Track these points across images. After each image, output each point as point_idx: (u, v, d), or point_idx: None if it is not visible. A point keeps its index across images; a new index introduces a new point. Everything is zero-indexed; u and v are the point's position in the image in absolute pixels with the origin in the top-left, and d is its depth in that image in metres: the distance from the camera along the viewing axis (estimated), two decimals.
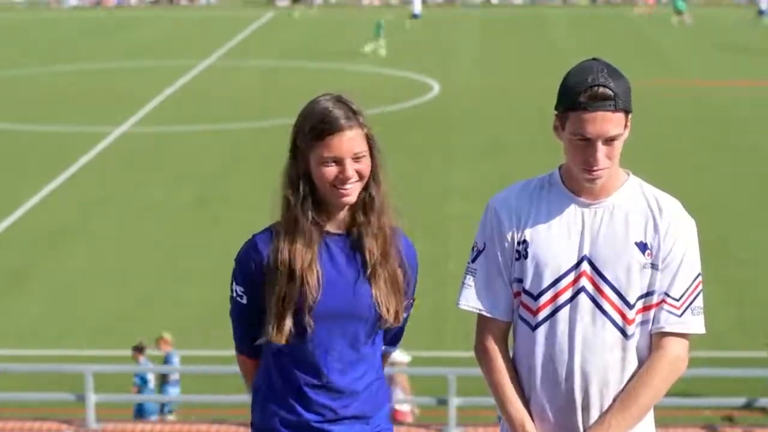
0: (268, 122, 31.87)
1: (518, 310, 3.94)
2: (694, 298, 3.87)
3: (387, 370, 13.80)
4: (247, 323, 4.02)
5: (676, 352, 3.86)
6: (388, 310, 3.93)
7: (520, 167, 25.15)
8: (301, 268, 3.85)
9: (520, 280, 3.91)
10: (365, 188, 3.91)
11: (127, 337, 17.49)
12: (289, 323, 3.87)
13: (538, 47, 46.32)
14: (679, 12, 54.15)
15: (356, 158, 3.85)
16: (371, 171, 3.91)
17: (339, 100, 3.89)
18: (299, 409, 3.96)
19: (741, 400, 13.78)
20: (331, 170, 3.83)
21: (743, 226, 22.32)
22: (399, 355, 13.98)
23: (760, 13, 56.16)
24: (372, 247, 3.92)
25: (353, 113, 3.87)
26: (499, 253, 3.94)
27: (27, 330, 17.52)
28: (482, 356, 3.99)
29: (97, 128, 31.76)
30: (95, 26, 57.57)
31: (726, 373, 14.42)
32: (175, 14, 64.01)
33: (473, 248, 4.02)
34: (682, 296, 3.85)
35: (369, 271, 3.91)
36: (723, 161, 27.41)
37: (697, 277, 3.89)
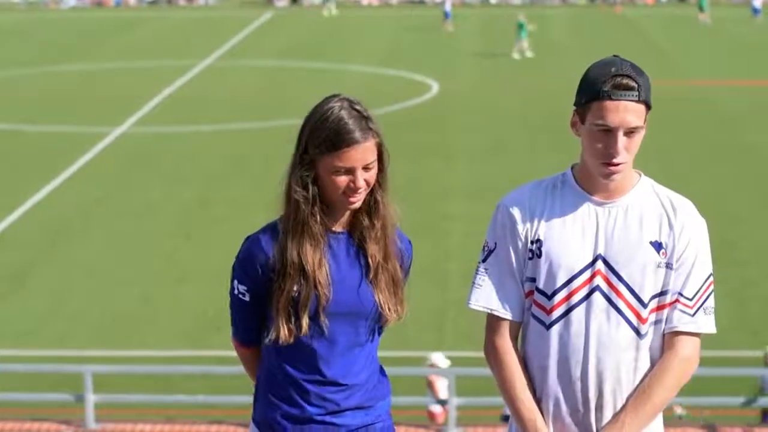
0: (268, 122, 31.88)
1: (531, 308, 3.93)
2: (707, 298, 3.89)
3: (428, 371, 13.59)
4: (250, 318, 4.06)
5: (688, 352, 3.87)
6: (389, 309, 3.98)
7: (521, 167, 25.18)
8: (312, 269, 3.88)
9: (533, 279, 3.91)
10: (371, 193, 3.94)
11: (127, 337, 17.50)
12: (301, 323, 3.90)
13: (537, 47, 46.25)
14: (701, 9, 55.25)
15: (366, 168, 3.87)
16: (378, 177, 3.93)
17: (352, 108, 3.87)
18: (302, 403, 3.99)
19: (741, 400, 13.78)
20: (342, 180, 3.85)
21: (743, 226, 22.31)
22: (439, 359, 13.93)
23: (755, 11, 56.37)
24: (374, 251, 3.96)
25: (366, 124, 3.86)
26: (511, 253, 3.94)
27: (26, 330, 17.51)
28: (493, 356, 3.97)
29: (97, 128, 31.76)
30: (95, 26, 57.57)
31: (726, 373, 14.41)
32: (174, 14, 64.01)
33: (484, 248, 4.01)
34: (695, 296, 3.86)
35: (371, 274, 3.95)
36: (723, 161, 27.41)
37: (709, 276, 3.90)
